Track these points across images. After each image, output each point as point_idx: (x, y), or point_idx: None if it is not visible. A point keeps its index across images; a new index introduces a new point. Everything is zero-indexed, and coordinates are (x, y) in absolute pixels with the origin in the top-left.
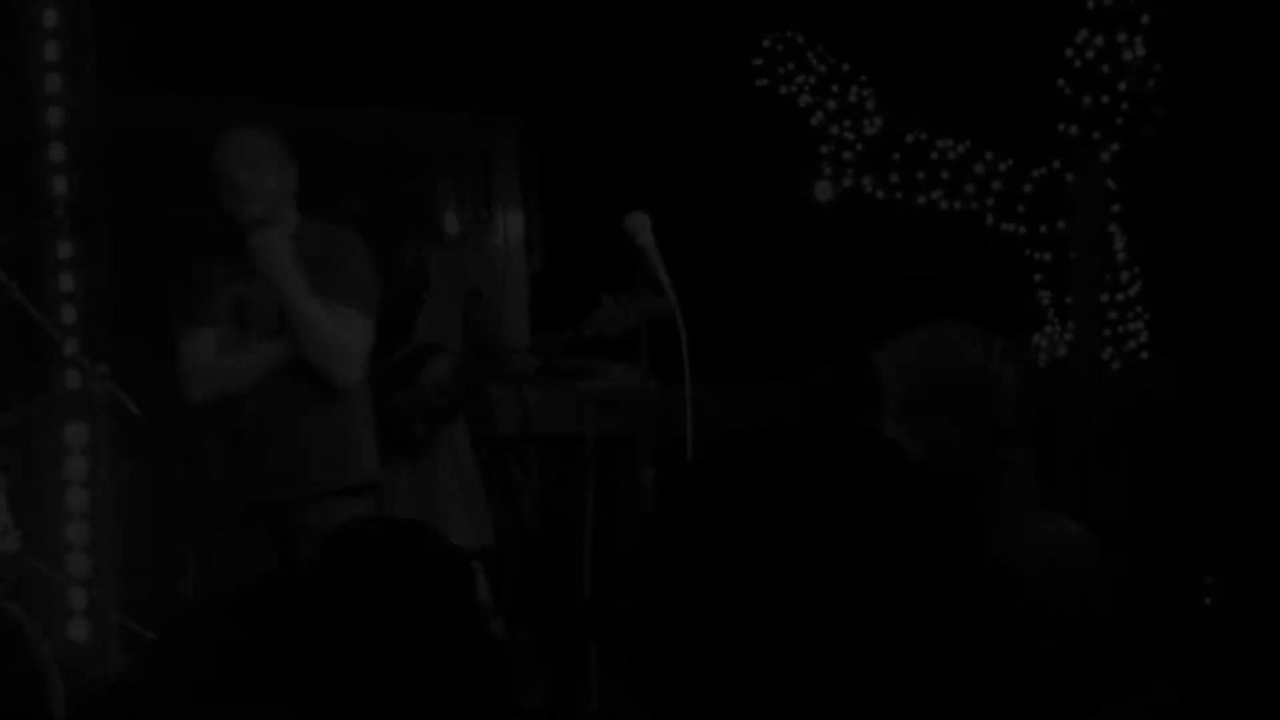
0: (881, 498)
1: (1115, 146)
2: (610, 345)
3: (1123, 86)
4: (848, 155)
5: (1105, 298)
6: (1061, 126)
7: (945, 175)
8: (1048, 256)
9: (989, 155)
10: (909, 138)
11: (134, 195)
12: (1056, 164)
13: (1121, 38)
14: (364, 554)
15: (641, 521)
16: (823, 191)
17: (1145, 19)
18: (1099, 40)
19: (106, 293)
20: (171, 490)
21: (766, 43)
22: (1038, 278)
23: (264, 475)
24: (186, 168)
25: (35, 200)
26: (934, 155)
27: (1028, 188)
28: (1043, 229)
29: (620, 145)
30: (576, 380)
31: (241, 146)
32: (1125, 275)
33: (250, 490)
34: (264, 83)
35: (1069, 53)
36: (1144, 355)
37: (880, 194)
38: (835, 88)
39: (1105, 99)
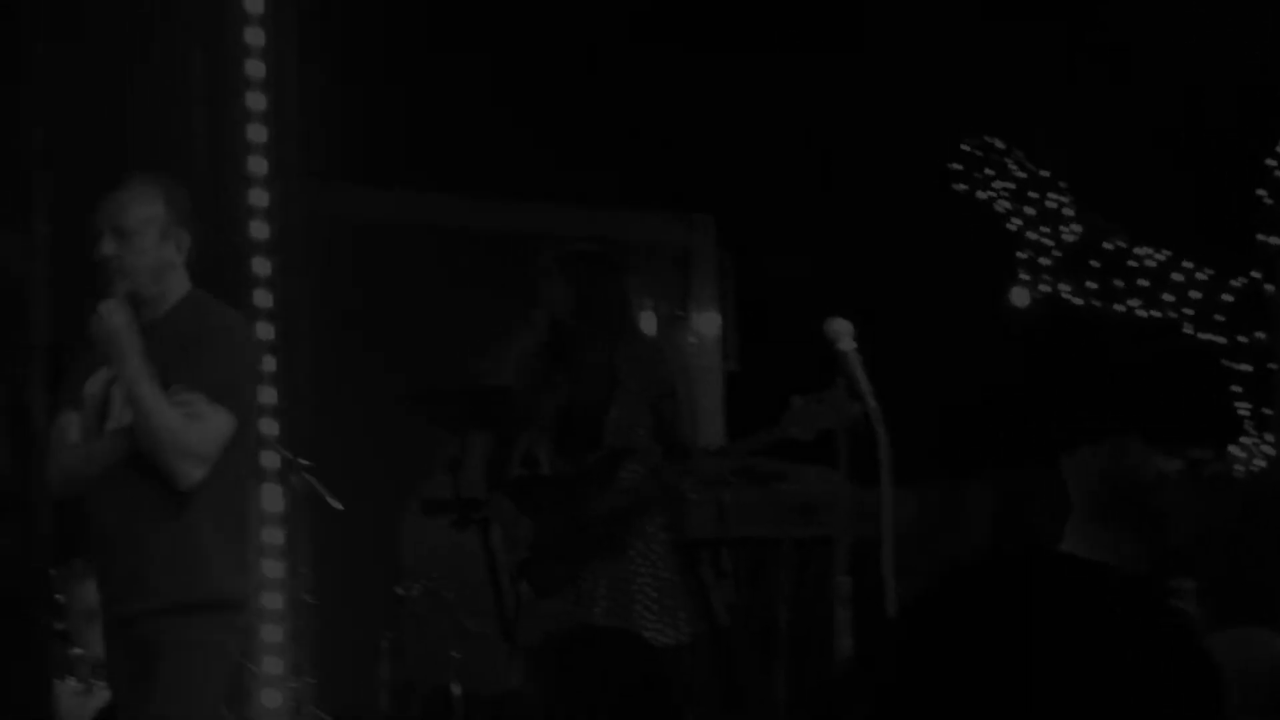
0: (1132, 635)
1: None
2: (807, 448)
3: None
4: (1045, 261)
5: None
6: (1262, 236)
7: (1143, 283)
8: (1247, 367)
9: (1188, 264)
10: (1107, 245)
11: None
12: (1257, 274)
13: None
14: (568, 664)
15: (882, 647)
16: (1019, 297)
17: None
18: None
19: (308, 381)
20: (364, 579)
21: (965, 147)
22: (1236, 388)
23: (112, 583)
24: (383, 261)
25: (237, 284)
26: (1132, 263)
27: (1227, 297)
28: (1242, 339)
29: (817, 245)
30: (773, 483)
31: (120, 208)
32: None
33: (104, 599)
34: (461, 177)
35: (1270, 162)
36: None
37: (1078, 300)
38: (1033, 194)
39: None
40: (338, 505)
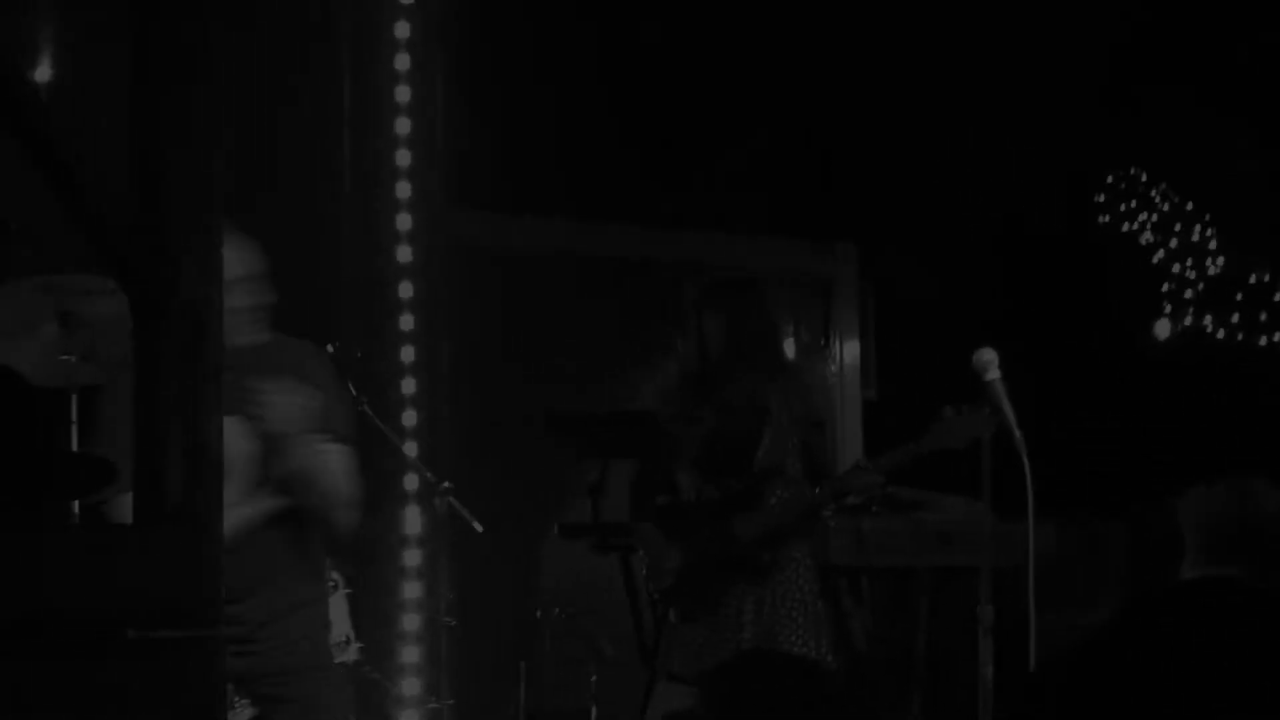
0: None
1: None
2: (946, 478)
3: None
4: (1189, 294)
5: None
6: None
7: None
8: None
9: None
10: (1252, 278)
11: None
12: None
13: None
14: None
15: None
16: (1162, 329)
17: None
18: None
19: (448, 404)
20: (503, 602)
21: (1110, 179)
22: None
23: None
24: (525, 288)
25: (382, 309)
26: (1278, 297)
27: None
28: None
29: (959, 275)
30: (913, 511)
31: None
32: None
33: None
34: (603, 206)
35: None
36: None
37: (1221, 334)
38: (1178, 226)
39: None
40: (479, 527)
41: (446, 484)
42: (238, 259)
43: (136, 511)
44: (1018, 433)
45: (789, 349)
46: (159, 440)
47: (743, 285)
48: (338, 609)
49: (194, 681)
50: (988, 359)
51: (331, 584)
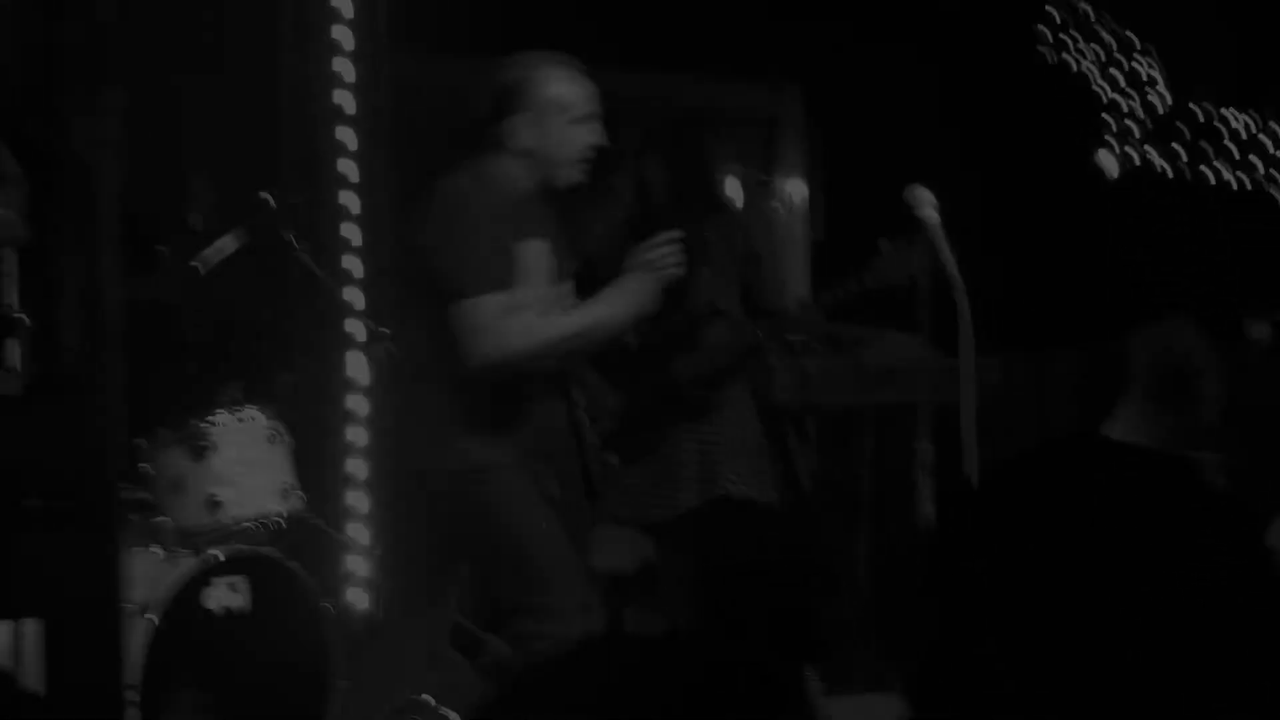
0: (1182, 516)
1: None
2: (890, 315)
3: None
4: (1132, 127)
5: None
6: None
7: (1232, 149)
8: None
9: (1276, 127)
10: (1196, 110)
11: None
12: None
13: None
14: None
15: (929, 536)
16: (1106, 162)
17: None
18: None
19: (390, 251)
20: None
21: (1051, 11)
22: None
23: None
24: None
25: (322, 158)
26: (1221, 128)
27: None
28: None
29: (903, 115)
30: (855, 349)
31: (585, 81)
32: None
33: None
34: (545, 45)
35: None
36: None
37: (1165, 167)
38: (1120, 57)
39: None
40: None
41: (386, 330)
42: (585, 96)
43: (29, 377)
44: (951, 270)
45: (731, 187)
46: (52, 304)
47: (684, 127)
48: (280, 457)
49: (91, 552)
50: (920, 196)
51: (272, 432)
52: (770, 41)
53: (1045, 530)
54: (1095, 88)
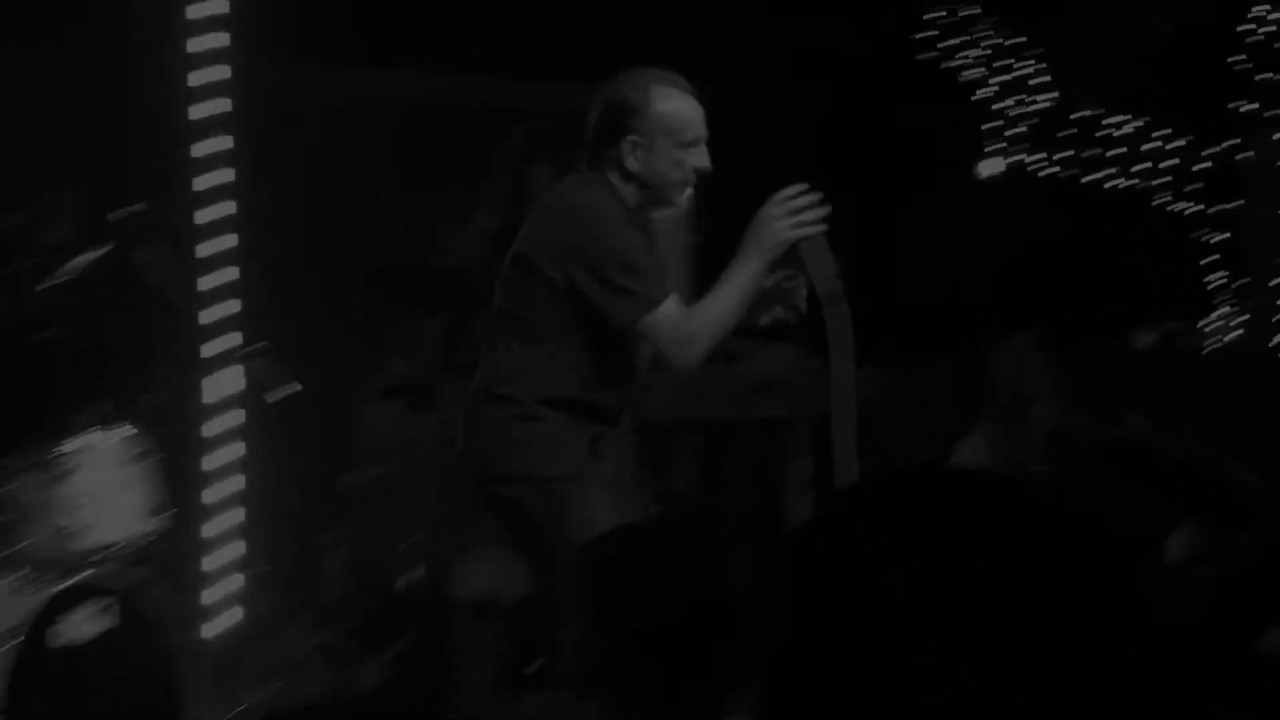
0: (1040, 544)
1: None
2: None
3: None
4: (1016, 130)
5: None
6: (1237, 103)
7: (1117, 153)
8: (1222, 237)
9: (1162, 133)
10: (1080, 114)
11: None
12: (1232, 142)
13: None
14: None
15: (786, 560)
16: (990, 167)
17: None
18: (1277, 14)
19: (264, 262)
20: (318, 464)
21: (934, 15)
22: (1211, 259)
23: None
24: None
25: (185, 170)
26: (1106, 132)
27: (1202, 166)
28: (1217, 208)
29: (785, 116)
30: (733, 363)
31: (695, 103)
32: None
33: None
34: (419, 51)
35: (1246, 25)
36: None
37: (1050, 171)
38: (1005, 61)
39: None
40: (297, 386)
41: (262, 343)
42: (694, 118)
43: None
44: (832, 281)
45: None
46: None
47: (564, 131)
48: (146, 477)
49: None
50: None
51: (136, 452)
52: (651, 43)
53: (882, 565)
54: (981, 93)
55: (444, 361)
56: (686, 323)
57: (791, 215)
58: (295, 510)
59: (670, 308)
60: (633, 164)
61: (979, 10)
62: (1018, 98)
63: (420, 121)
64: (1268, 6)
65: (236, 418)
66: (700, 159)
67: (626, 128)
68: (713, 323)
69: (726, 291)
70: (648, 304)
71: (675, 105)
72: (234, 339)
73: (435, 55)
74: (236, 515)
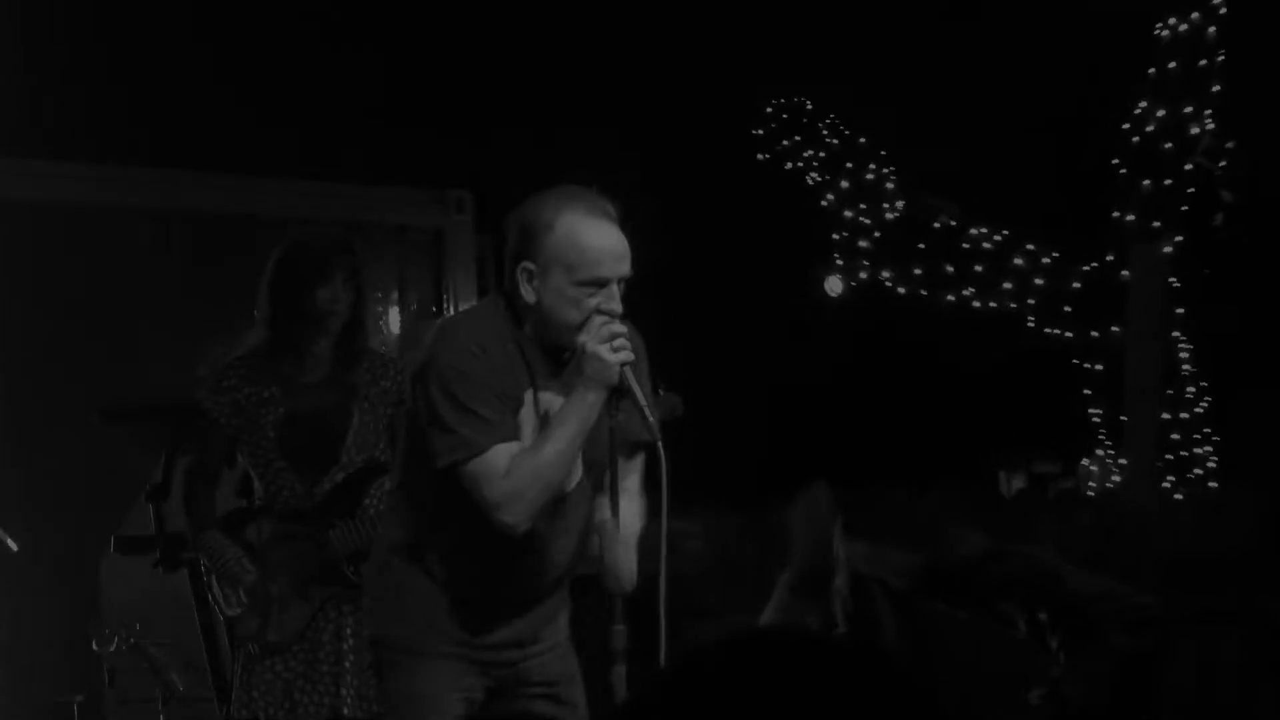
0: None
1: (1179, 238)
2: None
3: (1189, 166)
4: (864, 243)
5: (1166, 415)
6: (1116, 213)
7: (978, 269)
8: (1099, 366)
9: (1031, 247)
10: (936, 224)
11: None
12: (1110, 258)
13: (1188, 109)
14: None
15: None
16: (834, 286)
17: (1216, 87)
18: (1161, 113)
19: None
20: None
21: (769, 109)
22: (1087, 391)
23: None
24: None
25: None
26: (965, 245)
27: (1076, 285)
28: (1093, 334)
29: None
30: None
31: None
32: (1190, 389)
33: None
34: (177, 151)
35: (1126, 127)
36: (1212, 485)
37: (901, 289)
38: (849, 165)
39: (1168, 181)
40: (13, 545)
41: None
42: (602, 254)
43: None
44: (651, 417)
45: (393, 314)
46: None
47: (335, 242)
48: None
49: None
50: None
51: None
52: (437, 147)
53: None
54: (820, 199)
55: (189, 511)
56: (508, 477)
57: (610, 340)
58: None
59: (498, 458)
60: (526, 294)
61: (811, 107)
62: (862, 205)
63: (174, 230)
64: (1149, 103)
65: None
66: (608, 301)
67: (524, 253)
68: (539, 476)
69: (557, 435)
70: (468, 449)
71: (582, 237)
72: None
73: (193, 155)
74: None
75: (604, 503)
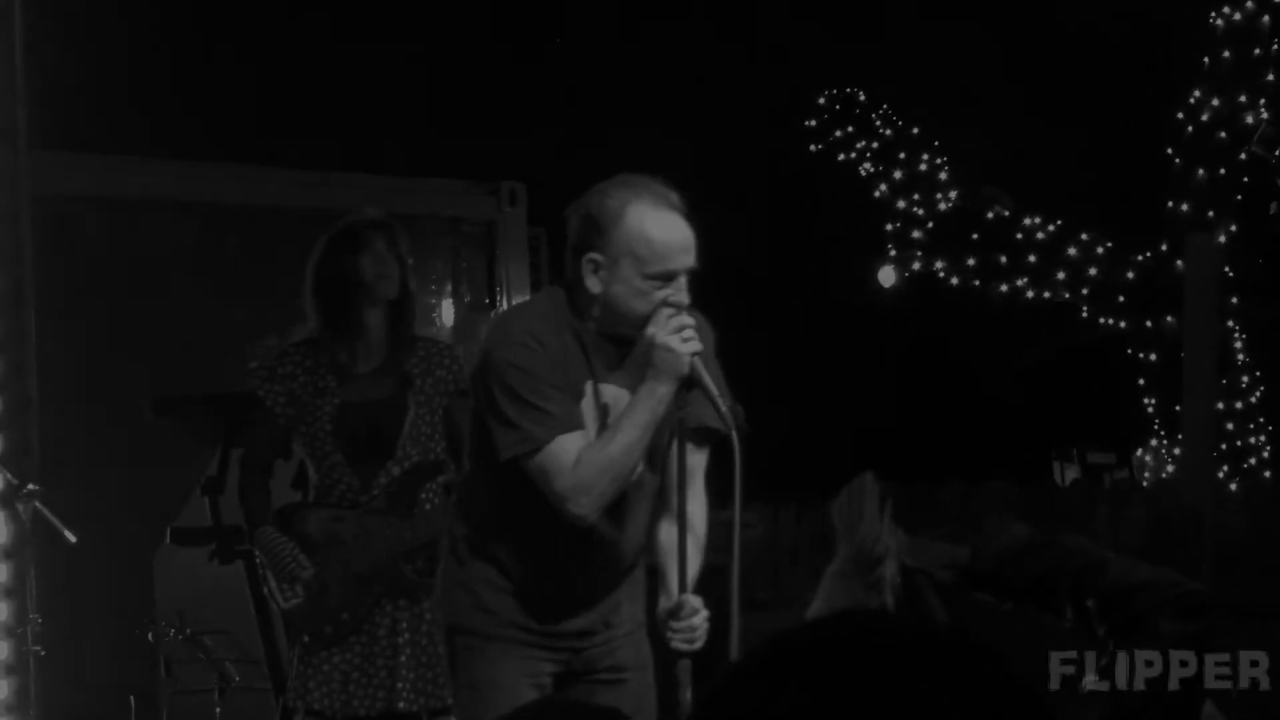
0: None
1: (1233, 227)
2: None
3: (1243, 156)
4: (917, 234)
5: (1220, 405)
6: (1170, 203)
7: (1032, 259)
8: (1153, 356)
9: (1084, 236)
10: (989, 214)
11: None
12: (1164, 248)
13: (1242, 99)
14: None
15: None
16: (887, 276)
17: (1270, 77)
18: (1216, 102)
19: (34, 388)
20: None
21: (822, 100)
22: (1141, 381)
23: None
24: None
25: None
26: (1019, 235)
27: (1130, 275)
28: (1148, 324)
29: None
30: None
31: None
32: (1244, 379)
33: None
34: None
35: (1180, 116)
36: (1266, 474)
37: (955, 280)
38: (903, 155)
39: (1222, 171)
40: (72, 537)
41: (31, 486)
42: (672, 247)
43: None
44: (721, 406)
45: (447, 307)
46: None
47: (367, 224)
48: None
49: None
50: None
51: None
52: (485, 139)
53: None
54: (874, 190)
55: (244, 503)
56: (577, 469)
57: (680, 331)
58: (82, 675)
59: (564, 448)
60: (593, 285)
61: (864, 98)
62: (915, 196)
63: (221, 224)
64: (1202, 93)
65: (1, 572)
66: (676, 293)
67: (590, 244)
68: (609, 468)
69: (627, 427)
70: (531, 442)
71: (651, 229)
72: None
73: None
74: (4, 687)
75: (671, 503)
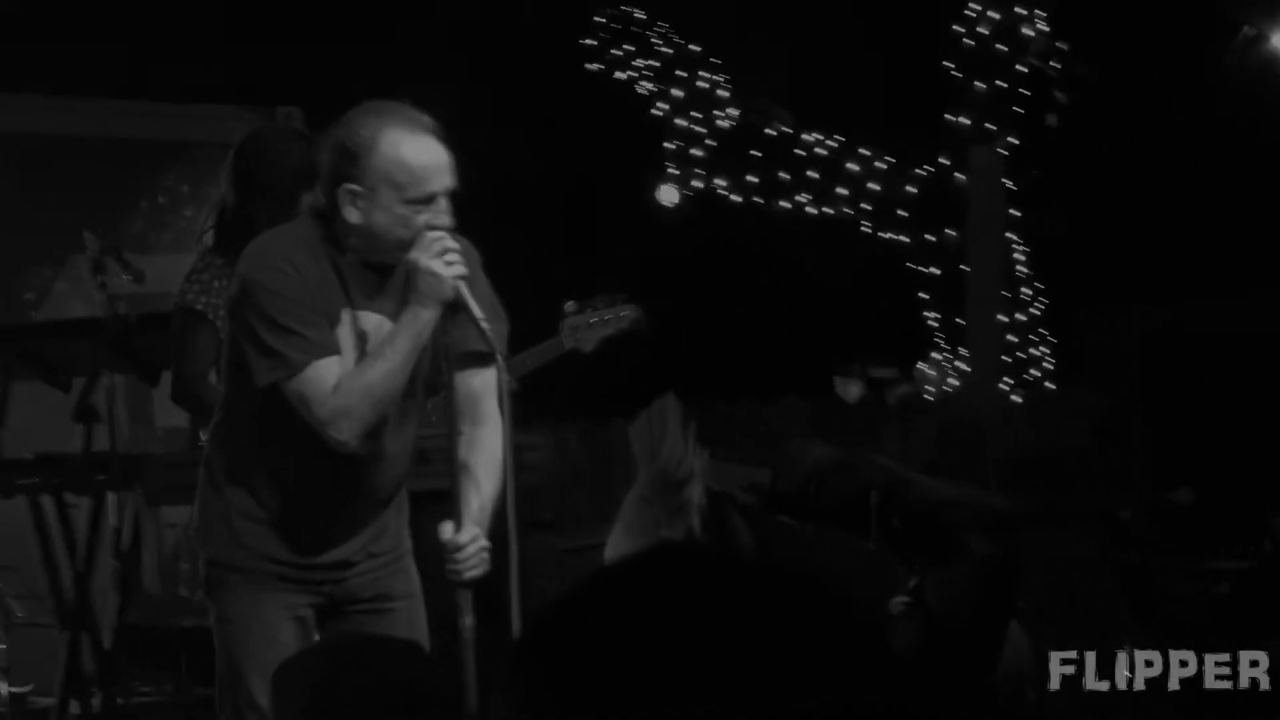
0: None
1: (1013, 139)
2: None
3: (1021, 68)
4: (698, 152)
5: (1003, 318)
6: (949, 117)
7: (813, 175)
8: (935, 270)
9: (864, 151)
10: (769, 131)
11: None
12: (945, 161)
13: (1020, 10)
14: None
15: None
16: (668, 195)
17: None
18: (994, 14)
19: None
20: None
21: (599, 19)
22: (923, 295)
23: None
24: None
25: None
26: (799, 152)
27: (911, 189)
28: (929, 238)
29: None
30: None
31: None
32: (1026, 292)
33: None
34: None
35: (958, 29)
36: (1048, 385)
37: (737, 197)
38: (681, 73)
39: (1001, 83)
40: None
41: None
42: (430, 169)
43: None
44: (485, 329)
45: None
46: None
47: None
48: None
49: None
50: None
51: None
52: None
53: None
54: (652, 108)
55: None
56: (336, 394)
57: (443, 255)
58: None
59: (321, 373)
60: (351, 215)
61: (645, 16)
62: (696, 114)
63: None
64: (981, 5)
65: None
66: (437, 216)
67: (345, 174)
68: (369, 393)
69: (389, 353)
70: (288, 367)
71: (407, 153)
72: None
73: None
74: None
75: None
